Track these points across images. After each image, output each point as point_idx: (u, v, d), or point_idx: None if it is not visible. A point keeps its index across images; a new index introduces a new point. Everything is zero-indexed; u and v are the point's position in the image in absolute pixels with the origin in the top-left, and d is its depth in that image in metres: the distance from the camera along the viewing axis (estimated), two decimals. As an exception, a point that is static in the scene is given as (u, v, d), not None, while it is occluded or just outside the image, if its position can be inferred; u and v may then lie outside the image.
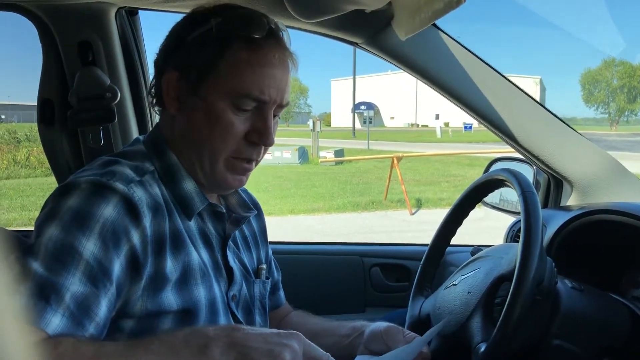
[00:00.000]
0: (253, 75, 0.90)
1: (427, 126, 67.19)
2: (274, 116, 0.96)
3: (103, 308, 0.77)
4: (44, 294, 0.72)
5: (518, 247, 0.88)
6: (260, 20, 0.92)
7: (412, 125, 73.84)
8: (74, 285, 0.74)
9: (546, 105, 1.42)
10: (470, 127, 41.87)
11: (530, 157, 1.46)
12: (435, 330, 0.98)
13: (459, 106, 1.43)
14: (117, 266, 0.80)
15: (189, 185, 0.95)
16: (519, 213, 0.98)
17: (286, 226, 8.00)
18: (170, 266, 0.86)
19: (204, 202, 0.96)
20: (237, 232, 1.07)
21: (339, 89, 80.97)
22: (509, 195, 1.58)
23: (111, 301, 0.79)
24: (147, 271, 0.83)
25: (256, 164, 1.00)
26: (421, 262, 1.22)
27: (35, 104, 1.59)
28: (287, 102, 0.97)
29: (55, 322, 0.71)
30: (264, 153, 0.99)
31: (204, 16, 0.94)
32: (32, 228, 0.83)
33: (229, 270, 0.99)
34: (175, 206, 0.93)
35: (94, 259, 0.77)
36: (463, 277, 1.06)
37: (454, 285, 1.07)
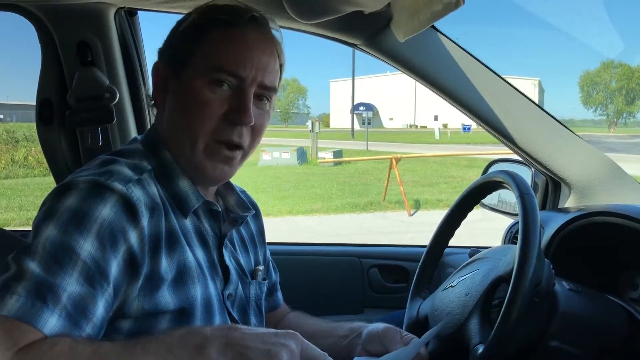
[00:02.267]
0: (228, 50, 0.92)
1: (425, 127, 67.32)
2: (262, 98, 0.96)
3: (100, 308, 0.77)
4: (41, 294, 0.71)
5: (516, 248, 0.88)
6: (241, 9, 0.95)
7: (411, 126, 73.90)
8: (71, 285, 0.74)
9: (545, 107, 1.42)
10: (469, 129, 41.92)
11: (529, 158, 1.46)
12: (433, 332, 0.98)
13: (457, 108, 1.43)
14: (114, 266, 0.79)
15: (184, 183, 0.95)
16: (517, 215, 0.98)
17: (284, 227, 8.00)
18: (166, 265, 0.86)
19: (200, 199, 0.96)
20: (234, 233, 1.07)
21: (338, 90, 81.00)
22: (507, 196, 1.58)
23: (108, 301, 0.79)
24: (144, 271, 0.83)
25: (244, 156, 0.98)
26: (419, 264, 1.22)
27: (34, 103, 1.59)
28: (271, 84, 0.96)
29: (52, 322, 0.71)
30: (251, 141, 0.97)
31: (191, 12, 0.98)
32: (30, 228, 0.83)
33: (225, 269, 0.99)
34: (171, 204, 0.93)
35: (91, 259, 0.77)
36: (461, 278, 1.06)
37: (452, 286, 1.07)
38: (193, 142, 0.93)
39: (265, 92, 0.96)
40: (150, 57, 1.53)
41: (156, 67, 0.98)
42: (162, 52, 0.99)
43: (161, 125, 0.99)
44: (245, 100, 0.92)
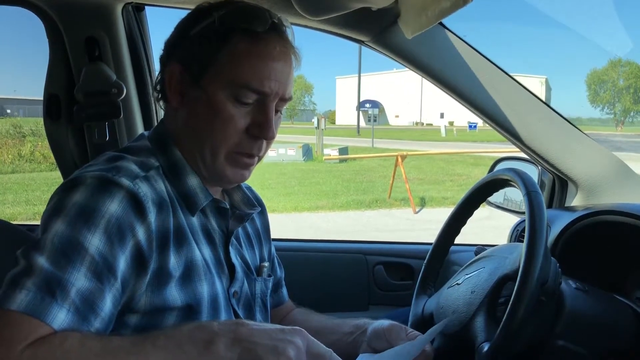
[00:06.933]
0: (253, 66, 0.91)
1: (431, 125, 67.20)
2: (277, 111, 0.97)
3: (108, 303, 0.77)
4: (50, 289, 0.72)
5: (522, 247, 0.88)
6: (262, 14, 0.93)
7: (417, 123, 73.76)
8: (79, 280, 0.74)
9: (552, 105, 1.42)
10: (475, 126, 41.79)
11: (535, 157, 1.46)
12: (437, 328, 0.98)
13: (464, 105, 1.43)
14: (122, 262, 0.80)
15: (193, 181, 0.95)
16: (523, 213, 0.98)
17: (290, 223, 8.01)
18: (174, 262, 0.87)
19: (208, 197, 0.96)
20: (239, 229, 1.08)
21: (344, 86, 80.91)
22: (514, 195, 1.57)
23: (116, 296, 0.79)
24: (151, 267, 0.84)
25: (259, 160, 1.00)
26: (425, 261, 1.22)
27: (41, 98, 1.60)
28: (289, 96, 0.97)
29: (61, 317, 0.71)
30: (267, 148, 0.99)
31: (207, 11, 0.95)
32: (36, 222, 0.84)
33: (231, 267, 1.00)
34: (179, 202, 0.93)
35: (99, 254, 0.77)
36: (467, 276, 1.06)
37: (457, 284, 1.07)
38: (215, 152, 0.93)
39: (283, 103, 0.97)
40: (157, 52, 1.54)
41: (171, 71, 0.94)
42: (174, 51, 0.96)
43: (173, 124, 0.98)
44: (269, 116, 0.93)
